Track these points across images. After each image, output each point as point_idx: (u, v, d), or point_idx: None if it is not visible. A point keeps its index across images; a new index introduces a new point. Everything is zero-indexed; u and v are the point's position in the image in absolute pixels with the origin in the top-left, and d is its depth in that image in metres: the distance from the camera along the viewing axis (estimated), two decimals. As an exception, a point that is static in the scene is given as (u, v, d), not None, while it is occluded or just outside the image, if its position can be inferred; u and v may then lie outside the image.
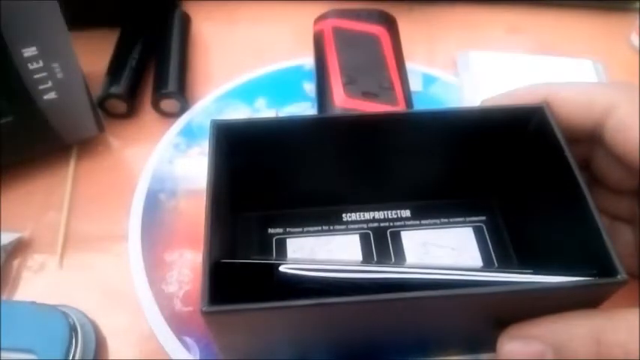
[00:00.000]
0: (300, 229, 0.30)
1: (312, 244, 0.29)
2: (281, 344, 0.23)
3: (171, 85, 0.37)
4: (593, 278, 0.20)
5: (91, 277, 0.30)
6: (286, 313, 0.20)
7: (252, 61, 0.42)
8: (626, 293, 0.21)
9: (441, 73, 0.41)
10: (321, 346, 0.24)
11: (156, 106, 0.38)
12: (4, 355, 0.25)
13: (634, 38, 0.44)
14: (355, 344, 0.24)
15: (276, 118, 0.35)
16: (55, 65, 0.31)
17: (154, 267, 0.30)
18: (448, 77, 0.41)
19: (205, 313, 0.18)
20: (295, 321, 0.21)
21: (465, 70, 0.41)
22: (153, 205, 0.33)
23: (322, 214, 0.30)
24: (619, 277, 0.20)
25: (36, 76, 0.30)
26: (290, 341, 0.23)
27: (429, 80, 0.41)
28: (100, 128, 0.35)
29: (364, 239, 0.30)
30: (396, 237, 0.29)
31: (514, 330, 0.21)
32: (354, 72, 0.35)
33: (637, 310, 0.20)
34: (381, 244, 0.29)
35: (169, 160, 0.36)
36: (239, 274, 0.23)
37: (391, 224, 0.30)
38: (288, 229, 0.30)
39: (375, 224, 0.30)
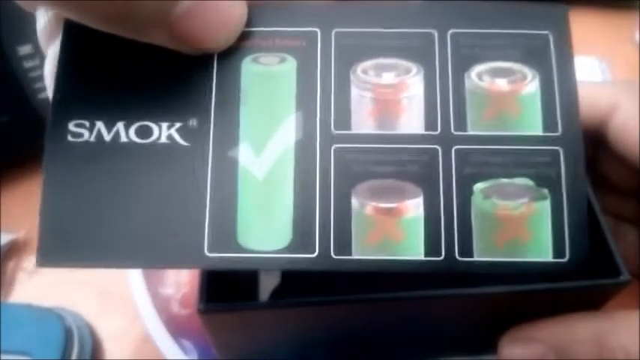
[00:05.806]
0: None
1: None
2: (279, 343, 0.23)
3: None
4: (595, 279, 0.20)
5: (88, 279, 0.30)
6: (283, 311, 0.20)
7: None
8: (629, 295, 0.21)
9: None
10: (318, 344, 0.24)
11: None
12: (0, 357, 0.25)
13: (638, 36, 0.44)
14: (354, 343, 0.24)
15: None
16: (51, 64, 0.31)
17: (152, 269, 0.30)
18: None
19: (202, 312, 0.18)
20: (292, 319, 0.21)
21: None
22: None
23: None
24: (622, 277, 0.19)
25: (31, 75, 0.30)
26: (287, 340, 0.23)
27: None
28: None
29: None
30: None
31: (515, 332, 0.21)
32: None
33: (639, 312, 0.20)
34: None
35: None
36: (237, 273, 0.23)
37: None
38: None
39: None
